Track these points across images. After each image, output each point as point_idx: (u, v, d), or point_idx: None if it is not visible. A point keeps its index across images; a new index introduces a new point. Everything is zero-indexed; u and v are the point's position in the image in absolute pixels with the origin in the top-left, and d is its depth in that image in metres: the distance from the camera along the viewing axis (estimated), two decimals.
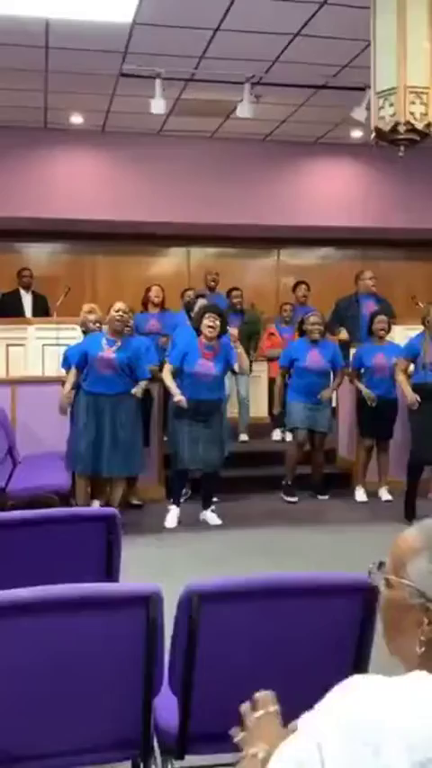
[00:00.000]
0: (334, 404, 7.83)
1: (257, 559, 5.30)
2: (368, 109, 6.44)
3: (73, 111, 9.30)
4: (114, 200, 9.88)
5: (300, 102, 8.92)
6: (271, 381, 8.63)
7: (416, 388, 6.58)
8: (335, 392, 7.62)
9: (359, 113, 8.06)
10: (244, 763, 1.36)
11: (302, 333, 7.45)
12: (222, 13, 6.72)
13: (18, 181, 9.62)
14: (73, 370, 6.38)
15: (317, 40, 7.17)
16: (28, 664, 2.04)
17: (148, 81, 7.90)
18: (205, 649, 2.13)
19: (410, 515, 6.39)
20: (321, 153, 10.44)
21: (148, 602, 2.09)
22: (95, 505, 6.18)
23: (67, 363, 6.64)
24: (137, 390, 6.27)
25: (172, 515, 6.48)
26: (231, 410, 8.28)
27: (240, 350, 6.76)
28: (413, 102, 5.22)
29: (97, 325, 6.70)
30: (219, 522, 6.49)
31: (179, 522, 6.45)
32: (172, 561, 5.33)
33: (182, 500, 6.63)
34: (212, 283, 8.99)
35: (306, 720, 1.21)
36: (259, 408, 9.02)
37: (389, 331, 7.42)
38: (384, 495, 7.31)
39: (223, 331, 6.42)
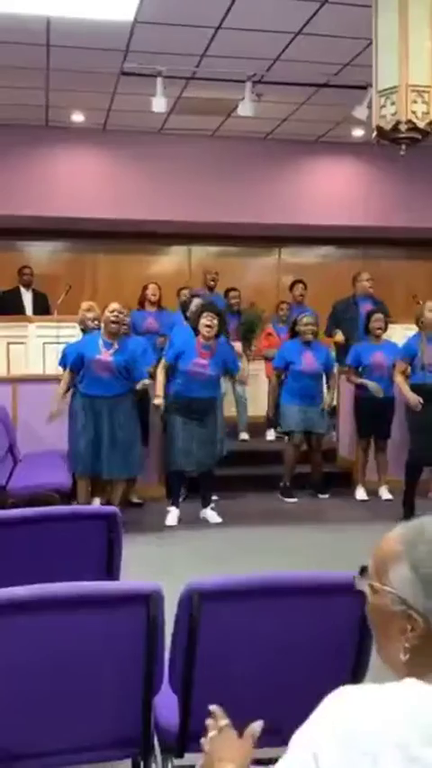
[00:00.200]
0: (334, 402, 7.82)
1: (258, 558, 5.29)
2: (369, 107, 6.43)
3: (74, 110, 9.30)
4: (115, 199, 9.88)
5: (301, 101, 8.92)
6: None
7: (414, 389, 6.57)
8: (334, 393, 7.63)
9: (360, 112, 8.05)
10: None
11: (295, 333, 7.45)
12: (224, 12, 6.71)
13: (19, 179, 9.61)
14: (67, 372, 6.38)
15: (318, 39, 7.17)
16: (28, 662, 2.04)
17: (150, 79, 7.89)
18: (205, 648, 2.13)
19: (409, 516, 6.39)
20: (322, 152, 10.44)
21: (148, 601, 2.09)
22: (96, 504, 6.18)
23: (64, 361, 6.61)
24: (140, 385, 6.26)
25: (172, 515, 6.49)
26: (229, 408, 8.29)
27: (243, 362, 6.79)
28: (415, 101, 5.22)
29: (96, 323, 6.69)
30: (219, 520, 6.49)
31: (179, 521, 6.46)
32: (172, 559, 5.33)
33: (180, 500, 6.64)
34: (212, 283, 8.98)
35: (299, 734, 1.21)
36: (258, 407, 9.02)
37: (385, 329, 7.42)
38: (384, 494, 7.31)
39: (221, 331, 6.41)
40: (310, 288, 9.43)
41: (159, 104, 8.02)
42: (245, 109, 8.22)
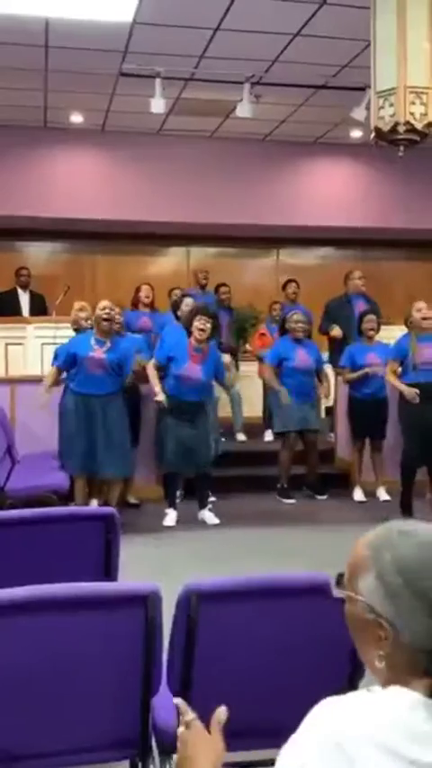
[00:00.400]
0: (330, 402, 7.82)
1: (256, 559, 5.29)
2: (368, 109, 6.44)
3: (73, 111, 9.30)
4: (114, 200, 9.88)
5: (299, 102, 8.92)
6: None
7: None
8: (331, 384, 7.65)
9: (359, 113, 8.05)
10: None
11: (285, 331, 7.45)
12: (222, 13, 6.72)
13: (17, 180, 9.61)
14: (54, 368, 6.38)
15: (317, 40, 7.17)
16: (26, 663, 2.04)
17: (148, 80, 7.90)
18: (204, 649, 2.13)
19: (408, 517, 6.38)
20: (321, 153, 10.44)
21: (146, 602, 2.09)
22: (94, 505, 6.18)
23: (56, 361, 6.59)
24: (129, 379, 6.30)
25: (170, 516, 6.50)
26: (225, 409, 8.29)
27: (229, 375, 6.81)
28: (413, 103, 5.23)
29: (89, 322, 6.69)
30: (217, 521, 6.49)
31: (177, 522, 6.46)
32: (170, 561, 5.32)
33: (177, 501, 6.64)
34: (204, 281, 8.98)
35: (287, 747, 1.21)
36: (252, 408, 9.01)
37: (378, 330, 7.43)
38: (382, 495, 7.31)
39: (213, 335, 6.41)
40: (309, 289, 9.44)
41: (158, 105, 8.03)
42: (243, 110, 8.22)
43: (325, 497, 7.43)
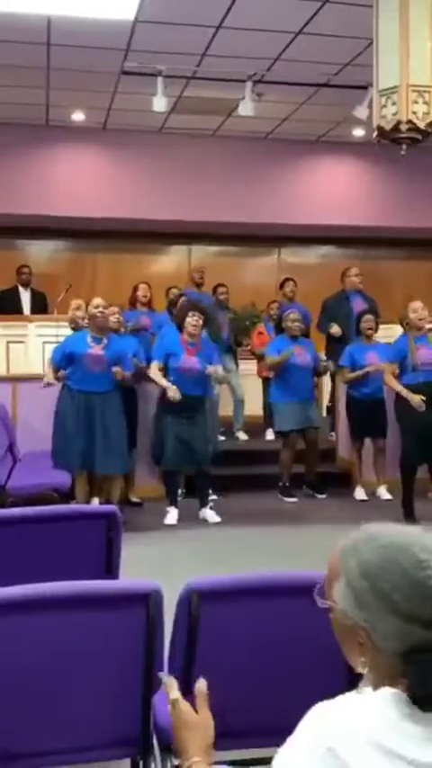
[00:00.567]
0: (332, 367, 7.78)
1: (257, 557, 5.29)
2: (370, 107, 6.43)
3: (74, 109, 9.29)
4: (115, 198, 9.87)
5: (301, 101, 8.91)
6: (265, 379, 8.65)
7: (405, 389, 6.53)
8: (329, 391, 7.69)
9: (361, 112, 8.05)
10: None
11: (281, 330, 7.45)
12: (224, 11, 6.71)
13: (19, 178, 9.61)
14: (53, 366, 6.37)
15: (319, 39, 7.16)
16: (28, 661, 2.04)
17: (150, 78, 7.89)
18: (205, 647, 2.13)
19: (409, 516, 6.37)
20: (323, 151, 10.43)
21: (147, 600, 2.09)
22: (95, 503, 6.18)
23: (53, 362, 6.58)
24: (128, 375, 6.31)
25: (171, 514, 6.50)
26: (225, 408, 8.29)
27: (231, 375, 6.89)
28: (415, 101, 5.22)
29: (86, 321, 6.69)
30: (218, 519, 6.49)
31: (179, 520, 6.46)
32: (171, 559, 5.32)
33: (178, 500, 6.64)
34: (200, 280, 9.00)
35: (279, 755, 1.21)
36: (253, 407, 9.01)
37: (376, 330, 7.42)
38: (384, 494, 7.30)
39: (210, 331, 6.49)
40: (310, 287, 9.43)
41: (160, 104, 8.02)
42: (245, 108, 8.22)
43: (324, 496, 7.43)
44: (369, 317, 7.44)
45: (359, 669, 1.26)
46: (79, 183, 9.83)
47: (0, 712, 2.05)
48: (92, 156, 9.96)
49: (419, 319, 6.58)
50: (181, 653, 2.15)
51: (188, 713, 1.45)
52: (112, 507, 3.08)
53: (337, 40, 7.15)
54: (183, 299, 7.26)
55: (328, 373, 7.97)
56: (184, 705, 1.46)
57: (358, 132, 9.81)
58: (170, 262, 11.53)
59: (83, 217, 9.94)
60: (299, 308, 7.91)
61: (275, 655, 2.19)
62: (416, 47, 5.23)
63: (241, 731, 2.09)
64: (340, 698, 1.23)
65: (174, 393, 6.32)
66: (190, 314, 6.47)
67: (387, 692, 1.20)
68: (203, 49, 7.51)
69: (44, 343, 7.88)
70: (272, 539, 6.04)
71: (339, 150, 10.43)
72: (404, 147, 5.38)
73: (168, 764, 2.27)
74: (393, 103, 5.25)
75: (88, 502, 6.24)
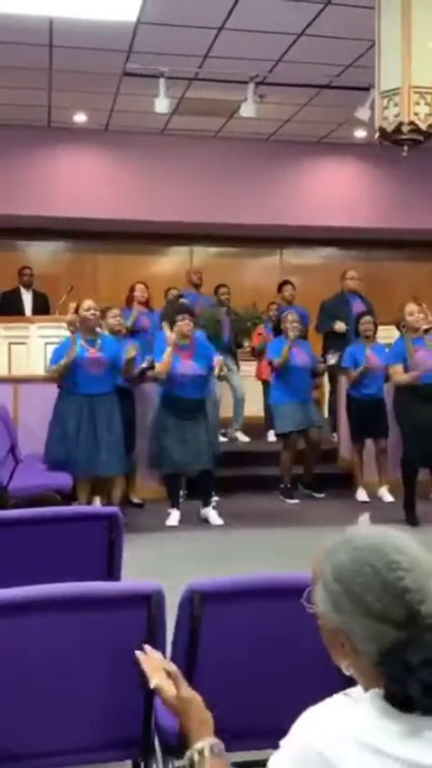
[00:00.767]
0: (332, 361, 7.78)
1: (259, 559, 5.29)
2: (372, 109, 6.44)
3: (76, 110, 9.30)
4: (117, 199, 9.88)
5: (303, 102, 8.92)
6: (264, 382, 8.65)
7: (405, 391, 6.54)
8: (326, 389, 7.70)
9: (363, 113, 8.05)
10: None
11: (280, 331, 7.46)
12: (226, 13, 6.72)
13: (21, 179, 9.62)
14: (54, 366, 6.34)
15: (321, 40, 7.17)
16: (29, 663, 2.04)
17: (152, 80, 7.90)
18: (206, 649, 2.13)
19: (411, 517, 6.37)
20: (325, 153, 10.44)
21: (149, 601, 2.09)
22: (96, 504, 6.18)
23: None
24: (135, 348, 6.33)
25: (173, 516, 6.50)
26: (226, 410, 8.28)
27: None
28: (417, 103, 5.22)
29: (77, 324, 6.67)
30: (220, 521, 6.48)
31: (180, 522, 6.46)
32: (173, 560, 5.32)
33: (180, 501, 6.64)
34: (197, 281, 8.99)
35: (272, 760, 1.22)
36: (253, 408, 8.99)
37: (375, 332, 7.44)
38: (385, 495, 7.29)
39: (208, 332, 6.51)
40: (312, 289, 9.42)
41: (162, 105, 8.03)
42: (247, 110, 8.22)
43: (323, 495, 7.42)
44: (368, 318, 7.46)
45: (345, 671, 1.27)
46: (81, 184, 9.84)
47: (2, 713, 2.05)
48: (93, 158, 9.97)
49: (416, 321, 6.59)
50: (183, 654, 2.15)
51: (171, 697, 1.51)
52: (114, 509, 3.08)
53: (339, 41, 7.16)
54: (181, 300, 7.24)
55: (326, 374, 7.96)
56: (169, 687, 1.51)
57: (360, 134, 9.82)
58: (171, 263, 11.53)
59: (84, 218, 9.95)
60: (297, 309, 7.93)
61: (277, 655, 2.19)
62: (418, 48, 5.23)
63: (243, 731, 2.09)
64: (327, 701, 1.24)
65: (173, 337, 6.35)
66: (179, 317, 6.45)
67: (371, 692, 1.21)
68: (205, 51, 7.52)
69: (46, 344, 7.86)
70: (273, 540, 6.04)
71: (341, 152, 10.43)
72: (406, 148, 5.38)
73: (170, 766, 2.27)
74: (395, 105, 5.25)
75: (90, 503, 6.23)
